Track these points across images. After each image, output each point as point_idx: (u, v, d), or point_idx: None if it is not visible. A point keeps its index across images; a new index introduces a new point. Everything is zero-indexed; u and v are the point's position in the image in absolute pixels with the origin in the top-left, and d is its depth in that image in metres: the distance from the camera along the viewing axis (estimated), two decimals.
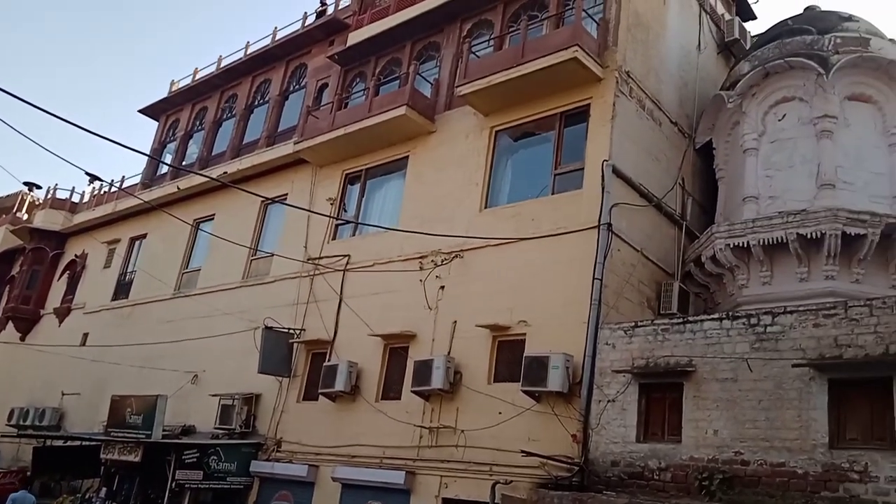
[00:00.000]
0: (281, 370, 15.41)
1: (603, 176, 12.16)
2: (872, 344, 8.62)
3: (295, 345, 15.62)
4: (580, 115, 13.27)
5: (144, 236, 22.48)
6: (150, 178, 23.18)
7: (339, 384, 13.89)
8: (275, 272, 17.16)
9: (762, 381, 9.23)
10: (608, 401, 10.57)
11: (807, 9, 15.09)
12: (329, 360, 14.65)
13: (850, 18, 14.26)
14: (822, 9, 14.97)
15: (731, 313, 10.10)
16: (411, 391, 12.92)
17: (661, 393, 10.25)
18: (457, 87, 14.54)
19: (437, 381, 12.38)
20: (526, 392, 11.33)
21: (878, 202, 12.42)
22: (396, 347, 14.00)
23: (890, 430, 8.19)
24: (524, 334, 12.14)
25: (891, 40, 13.74)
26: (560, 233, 12.28)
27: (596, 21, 13.49)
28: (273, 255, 17.27)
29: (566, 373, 11.02)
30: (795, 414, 8.84)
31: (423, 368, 12.65)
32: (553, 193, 13.10)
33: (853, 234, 11.65)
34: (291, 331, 15.67)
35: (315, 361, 15.33)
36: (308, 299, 15.90)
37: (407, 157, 15.81)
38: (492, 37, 15.26)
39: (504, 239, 12.93)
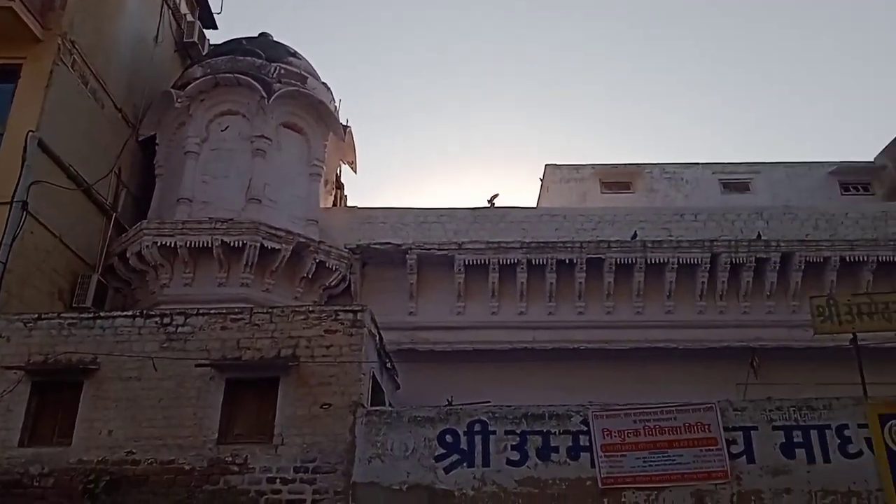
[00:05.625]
0: None
1: (26, 148, 10.92)
2: (268, 347, 9.62)
3: None
4: (9, 75, 11.63)
5: None
6: None
7: None
8: None
9: (166, 381, 9.38)
10: None
11: (261, 34, 16.20)
12: None
13: (295, 55, 15.84)
14: (275, 38, 16.29)
15: (145, 311, 10.05)
16: None
17: (58, 392, 9.52)
18: None
19: None
20: None
21: (295, 222, 13.94)
22: None
23: (271, 425, 9.18)
24: None
25: (323, 83, 15.76)
26: None
27: None
28: None
29: None
30: (192, 412, 9.23)
31: None
32: None
33: (270, 247, 12.84)
34: None
35: None
36: None
37: None
38: None
39: None
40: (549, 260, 13.47)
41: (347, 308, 10.11)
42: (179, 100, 14.03)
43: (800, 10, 44.77)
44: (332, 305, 11.62)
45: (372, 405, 9.75)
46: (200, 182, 13.69)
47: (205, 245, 12.60)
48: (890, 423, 8.58)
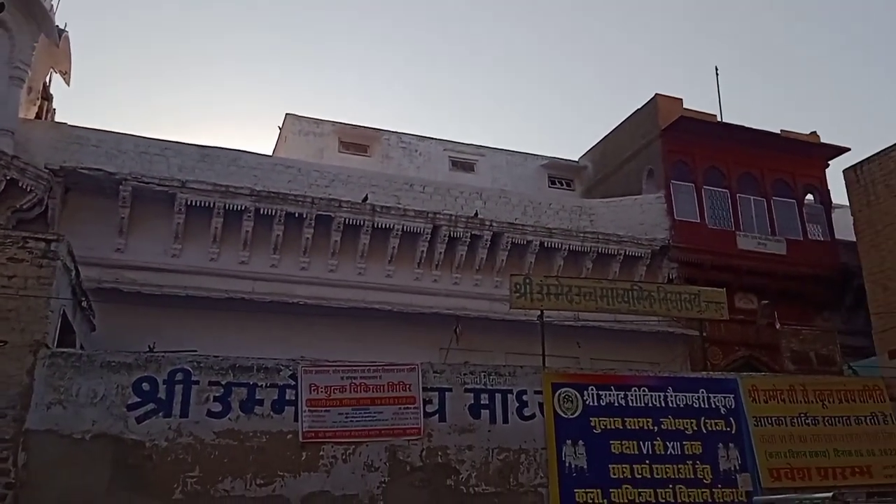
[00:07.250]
0: None
1: None
2: None
3: None
4: None
5: None
6: None
7: None
8: None
9: None
10: None
11: None
12: None
13: None
14: None
15: None
16: None
17: None
18: None
19: None
20: None
21: None
22: None
23: None
24: None
25: None
26: None
27: None
28: None
29: None
30: None
31: None
32: None
33: None
34: None
35: None
36: None
37: None
38: None
39: None
40: (279, 211, 13.21)
41: (39, 236, 8.90)
42: None
43: (539, 21, 48.83)
44: (20, 231, 10.14)
45: (60, 346, 8.78)
46: None
47: None
48: (560, 390, 9.81)
